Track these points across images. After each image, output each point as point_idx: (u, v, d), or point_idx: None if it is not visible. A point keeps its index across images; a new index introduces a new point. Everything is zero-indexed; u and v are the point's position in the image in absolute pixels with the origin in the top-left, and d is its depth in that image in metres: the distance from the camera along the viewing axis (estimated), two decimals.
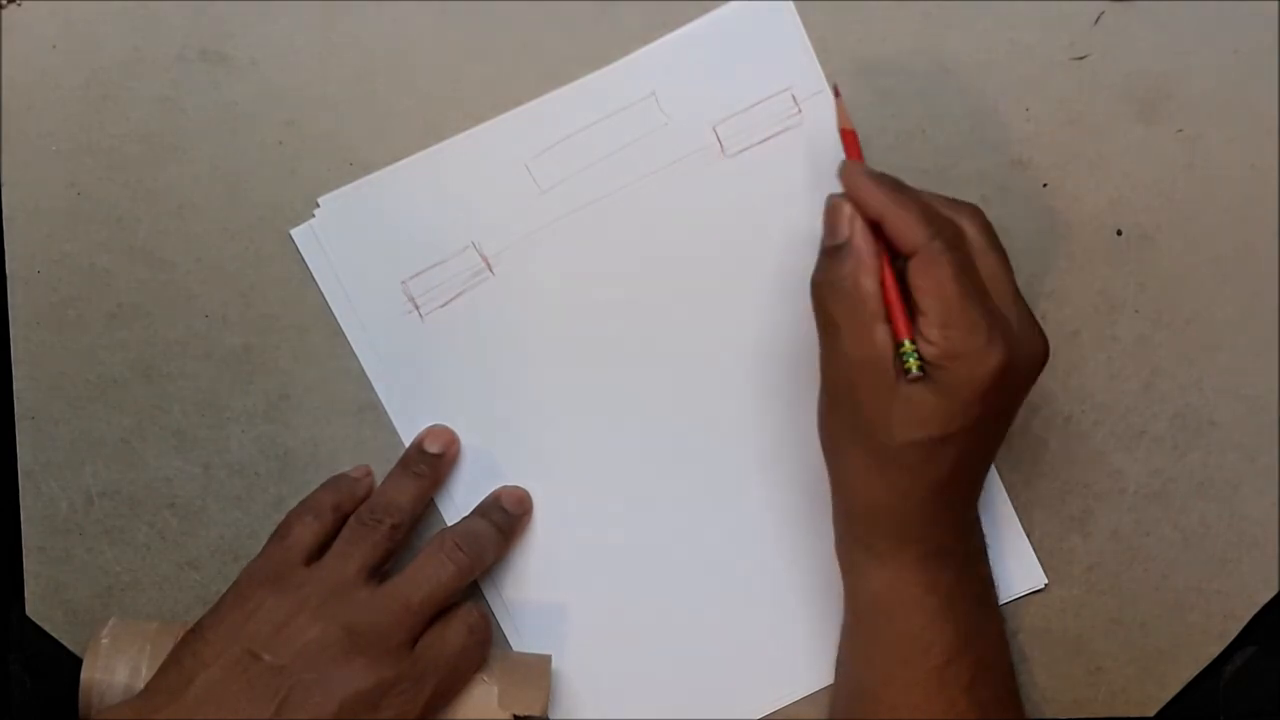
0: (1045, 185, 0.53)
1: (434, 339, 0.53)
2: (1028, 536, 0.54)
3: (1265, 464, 0.54)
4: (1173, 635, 0.54)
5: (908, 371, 0.44)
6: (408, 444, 0.53)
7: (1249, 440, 0.54)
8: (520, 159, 0.53)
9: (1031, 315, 0.46)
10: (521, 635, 0.53)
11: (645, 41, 0.53)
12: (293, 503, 0.51)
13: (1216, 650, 0.54)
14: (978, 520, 0.49)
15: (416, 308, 0.53)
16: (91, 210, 0.53)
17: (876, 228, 0.44)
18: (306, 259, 0.53)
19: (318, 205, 0.53)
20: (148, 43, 0.52)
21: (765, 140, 0.53)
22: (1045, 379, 0.53)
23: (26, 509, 0.53)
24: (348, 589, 0.47)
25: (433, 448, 0.52)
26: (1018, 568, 0.54)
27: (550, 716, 0.50)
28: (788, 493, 0.53)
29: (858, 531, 0.48)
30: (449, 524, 0.53)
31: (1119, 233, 0.54)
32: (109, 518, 0.53)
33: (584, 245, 0.53)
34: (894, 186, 0.45)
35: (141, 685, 0.47)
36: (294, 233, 0.53)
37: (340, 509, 0.50)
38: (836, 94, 0.49)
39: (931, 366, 0.43)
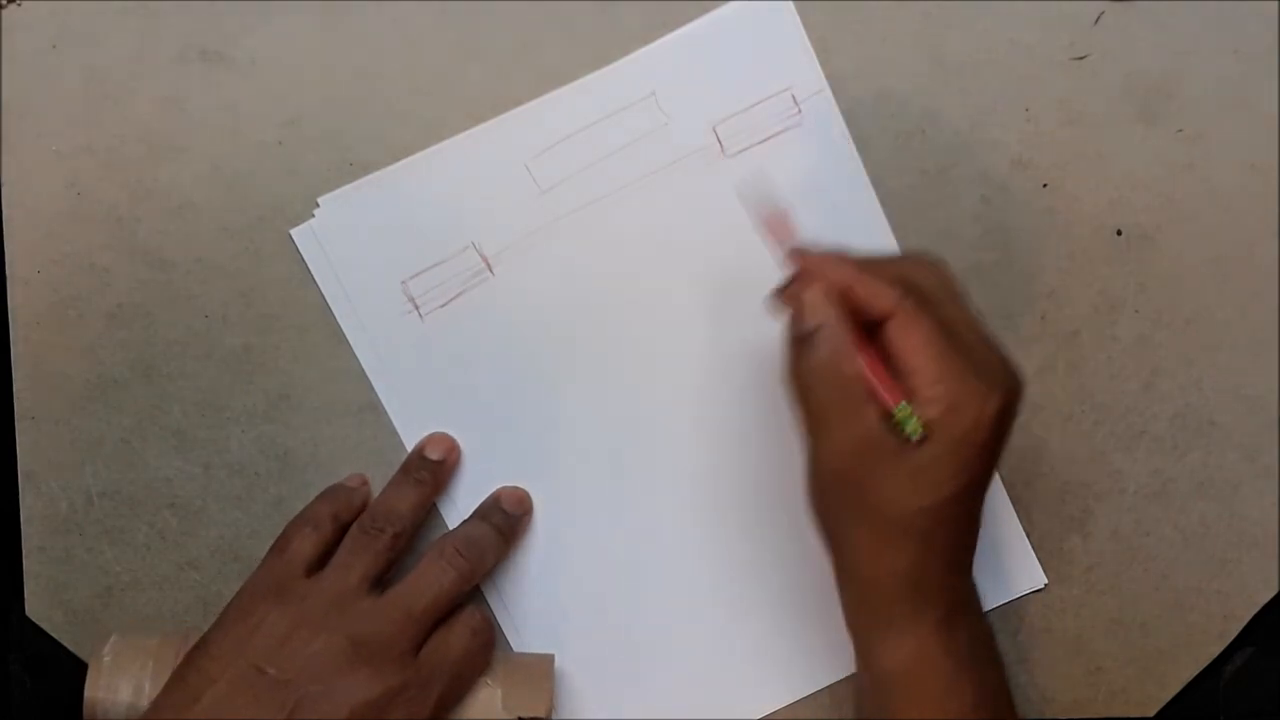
0: (1045, 185, 0.53)
1: (434, 339, 0.53)
2: (1028, 536, 0.54)
3: (1265, 464, 0.54)
4: (1173, 635, 0.54)
5: (909, 438, 0.42)
6: (407, 444, 0.53)
7: (1249, 440, 0.54)
8: (520, 159, 0.53)
9: (1005, 352, 0.45)
10: (522, 636, 0.53)
11: (645, 41, 0.53)
12: (293, 503, 0.51)
13: (1216, 650, 0.54)
14: (971, 565, 0.48)
15: (416, 308, 0.53)
16: (91, 210, 0.53)
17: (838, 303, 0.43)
18: (306, 259, 0.53)
19: (318, 205, 0.53)
20: (148, 43, 0.52)
21: (765, 140, 0.53)
22: (1045, 379, 0.54)
23: (26, 509, 0.53)
24: (350, 599, 0.47)
25: (434, 454, 0.52)
26: (1018, 568, 0.54)
27: (555, 717, 0.50)
28: (789, 492, 0.53)
29: (873, 605, 0.46)
30: (450, 527, 0.53)
31: (1119, 233, 0.54)
32: (109, 518, 0.53)
33: (584, 245, 0.53)
34: (848, 257, 0.44)
35: (145, 703, 0.47)
36: (294, 233, 0.53)
37: (339, 519, 0.50)
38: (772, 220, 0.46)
39: (933, 425, 0.42)
